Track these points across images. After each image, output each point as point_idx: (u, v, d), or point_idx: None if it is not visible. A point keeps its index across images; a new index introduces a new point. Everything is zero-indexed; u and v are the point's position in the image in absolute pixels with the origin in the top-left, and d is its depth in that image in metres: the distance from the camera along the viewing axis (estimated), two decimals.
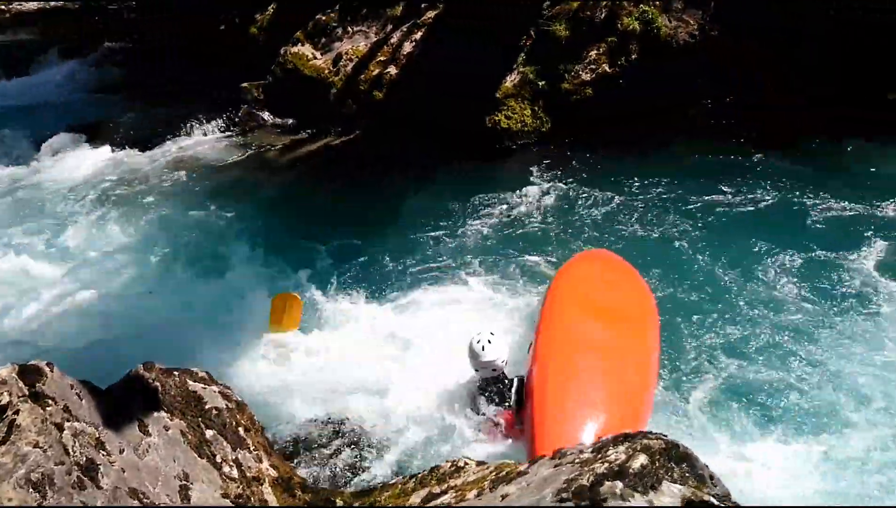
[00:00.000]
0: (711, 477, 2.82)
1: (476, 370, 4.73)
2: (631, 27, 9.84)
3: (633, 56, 9.85)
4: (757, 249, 6.97)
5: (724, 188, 8.04)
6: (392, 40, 11.42)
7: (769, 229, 7.25)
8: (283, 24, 12.38)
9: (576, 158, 9.25)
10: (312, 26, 12.00)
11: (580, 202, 8.30)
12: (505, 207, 8.41)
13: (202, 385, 3.79)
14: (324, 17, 11.98)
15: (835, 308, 6.11)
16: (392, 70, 11.11)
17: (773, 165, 8.38)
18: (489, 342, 4.64)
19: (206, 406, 3.65)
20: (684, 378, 5.46)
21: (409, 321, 6.37)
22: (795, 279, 6.51)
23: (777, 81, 9.27)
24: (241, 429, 3.77)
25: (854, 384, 5.29)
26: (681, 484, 2.64)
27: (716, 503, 2.56)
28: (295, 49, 11.85)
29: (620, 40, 9.89)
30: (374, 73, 11.20)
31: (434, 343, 5.86)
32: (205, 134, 11.54)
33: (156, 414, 3.32)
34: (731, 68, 9.47)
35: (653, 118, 9.45)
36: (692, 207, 7.87)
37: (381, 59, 11.31)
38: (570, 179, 8.77)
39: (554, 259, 7.22)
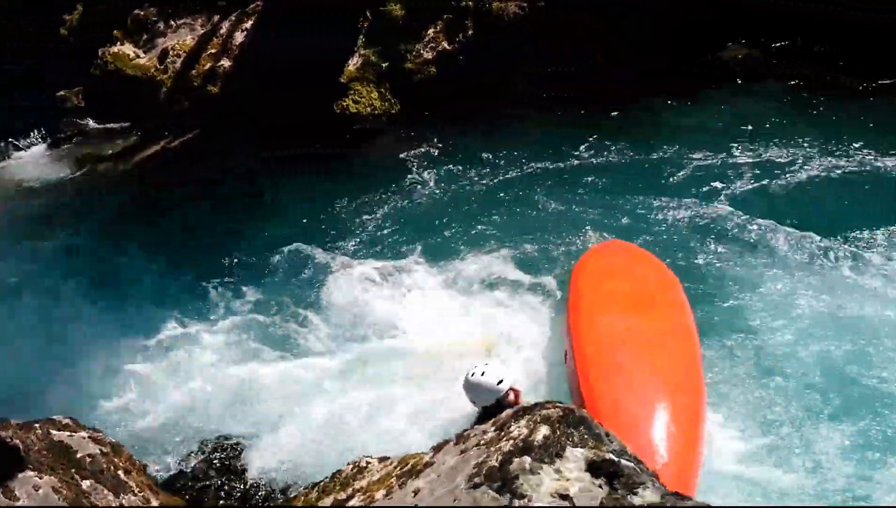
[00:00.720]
0: (607, 434, 2.96)
1: (476, 402, 4.47)
2: (464, 3, 9.97)
3: (470, 32, 10.00)
4: (611, 202, 7.43)
5: (573, 153, 8.41)
6: (221, 31, 10.87)
7: (620, 185, 7.74)
8: (97, 23, 11.38)
9: (431, 137, 9.28)
10: (131, 23, 11.15)
11: (443, 180, 8.37)
12: (371, 193, 8.27)
13: (68, 433, 3.46)
14: (142, 13, 11.16)
15: (697, 240, 6.72)
16: (225, 63, 10.60)
17: (613, 128, 8.83)
18: (473, 374, 4.38)
19: (78, 455, 3.34)
20: None
21: (289, 327, 6.19)
22: (650, 224, 7.00)
23: (607, 53, 9.63)
24: (120, 472, 3.49)
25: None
26: (582, 447, 2.75)
27: (615, 458, 2.70)
28: (115, 49, 10.97)
29: (456, 17, 10.00)
30: (206, 67, 10.64)
31: (320, 343, 5.75)
32: (22, 152, 10.42)
33: (21, 475, 3.00)
34: (563, 41, 9.71)
35: (491, 91, 9.64)
36: (548, 173, 8.20)
37: (212, 51, 10.74)
38: (429, 159, 8.81)
39: (438, 240, 7.27)
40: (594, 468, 2.59)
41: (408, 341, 5.79)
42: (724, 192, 7.32)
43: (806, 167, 7.47)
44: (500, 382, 4.34)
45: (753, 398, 4.90)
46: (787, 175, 7.43)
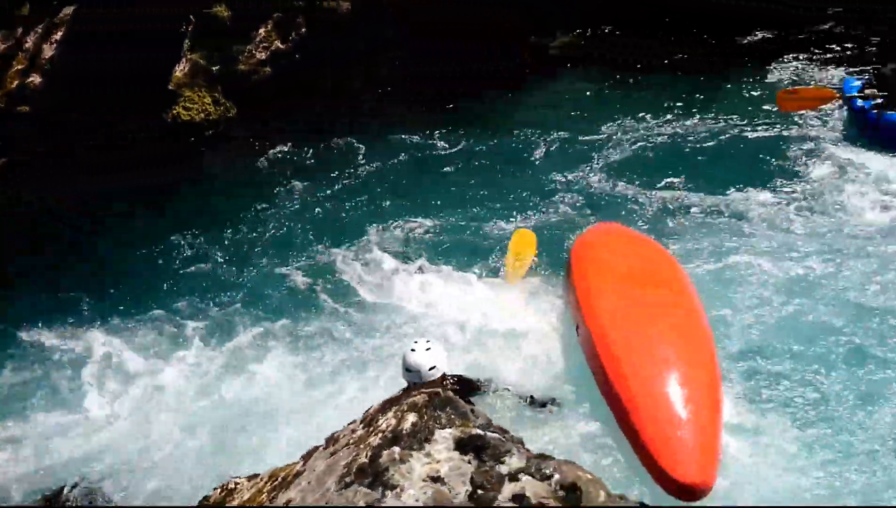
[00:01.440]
0: (473, 411, 3.00)
1: (408, 383, 4.25)
2: (295, 1, 9.74)
3: (303, 30, 9.80)
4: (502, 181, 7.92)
5: (430, 144, 8.68)
6: (26, 45, 9.97)
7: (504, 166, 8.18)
8: None
9: (274, 137, 9.11)
10: None
11: (304, 179, 8.30)
12: (226, 201, 8.13)
13: None
14: None
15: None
16: (35, 79, 9.74)
17: (493, 118, 9.17)
18: (414, 351, 4.19)
19: None
20: None
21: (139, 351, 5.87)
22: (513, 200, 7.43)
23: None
24: None
25: None
26: (449, 428, 2.76)
27: (481, 432, 2.74)
28: None
29: (287, 15, 9.76)
30: (13, 85, 9.74)
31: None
32: None
33: None
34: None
35: (329, 89, 9.59)
36: (416, 161, 8.47)
37: (18, 67, 9.84)
38: (278, 160, 8.68)
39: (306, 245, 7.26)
40: (462, 445, 2.62)
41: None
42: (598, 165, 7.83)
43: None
44: (432, 368, 4.21)
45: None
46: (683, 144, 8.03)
